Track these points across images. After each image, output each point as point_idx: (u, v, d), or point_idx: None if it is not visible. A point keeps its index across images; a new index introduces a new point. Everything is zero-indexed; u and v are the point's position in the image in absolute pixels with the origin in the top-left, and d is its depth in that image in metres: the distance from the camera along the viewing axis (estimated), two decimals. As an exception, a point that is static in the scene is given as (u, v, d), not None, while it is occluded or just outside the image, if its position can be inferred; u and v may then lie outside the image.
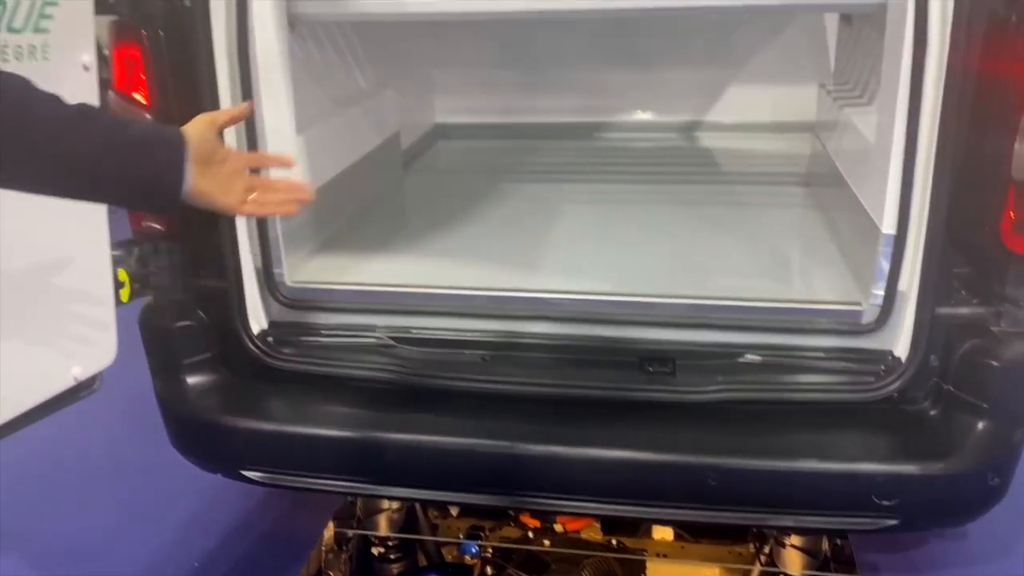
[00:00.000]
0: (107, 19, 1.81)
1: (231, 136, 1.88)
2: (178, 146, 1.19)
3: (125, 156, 1.15)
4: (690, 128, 3.35)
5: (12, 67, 1.47)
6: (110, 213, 1.76)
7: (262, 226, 1.97)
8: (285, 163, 1.51)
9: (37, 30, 1.53)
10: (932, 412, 1.76)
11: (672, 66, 3.26)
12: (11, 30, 1.48)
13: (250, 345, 1.99)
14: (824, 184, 2.51)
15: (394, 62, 2.98)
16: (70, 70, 1.62)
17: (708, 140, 3.29)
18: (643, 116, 3.39)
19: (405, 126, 3.08)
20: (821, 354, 1.84)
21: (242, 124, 1.89)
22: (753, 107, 3.25)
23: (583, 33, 3.29)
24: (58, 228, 1.63)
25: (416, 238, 2.43)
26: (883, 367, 1.77)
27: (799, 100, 3.03)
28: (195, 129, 1.24)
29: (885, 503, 1.70)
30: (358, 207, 2.58)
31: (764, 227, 2.45)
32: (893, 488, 1.69)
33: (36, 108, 1.11)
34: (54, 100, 1.14)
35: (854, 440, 1.76)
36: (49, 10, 1.54)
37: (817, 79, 2.91)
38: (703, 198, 2.73)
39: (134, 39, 1.82)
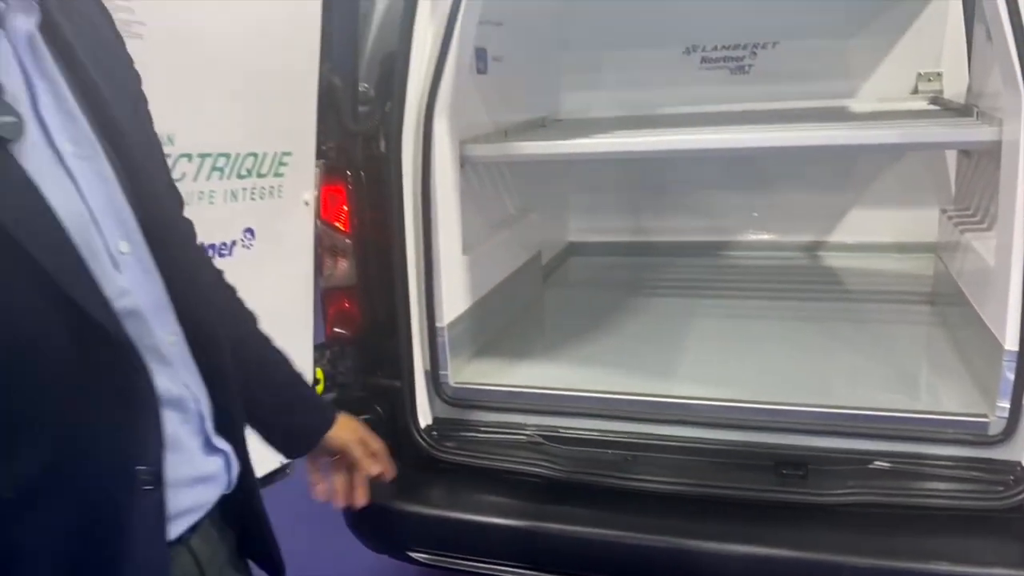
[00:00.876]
0: (319, 163, 2.21)
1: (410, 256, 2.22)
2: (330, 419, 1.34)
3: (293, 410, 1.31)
4: (813, 248, 3.52)
5: (258, 204, 1.85)
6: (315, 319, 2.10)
7: (432, 334, 2.28)
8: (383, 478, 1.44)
9: (277, 175, 1.92)
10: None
11: (795, 190, 3.46)
12: (259, 175, 1.87)
13: (418, 438, 2.25)
14: (947, 303, 2.63)
15: (536, 189, 3.32)
16: (295, 205, 2.01)
17: (831, 260, 3.45)
18: (767, 236, 3.59)
19: (544, 244, 3.39)
20: (949, 462, 1.93)
21: (419, 246, 2.24)
22: (875, 229, 3.39)
23: (710, 159, 3.55)
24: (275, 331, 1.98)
25: (560, 345, 2.68)
26: (1012, 477, 1.86)
27: (921, 222, 3.16)
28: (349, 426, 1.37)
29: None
30: (508, 317, 2.87)
31: (890, 341, 2.57)
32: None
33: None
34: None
35: (987, 546, 1.83)
36: (286, 159, 1.93)
37: (938, 203, 3.05)
38: (828, 314, 2.88)
39: (339, 178, 2.21)
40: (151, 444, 0.86)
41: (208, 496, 0.99)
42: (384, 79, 2.22)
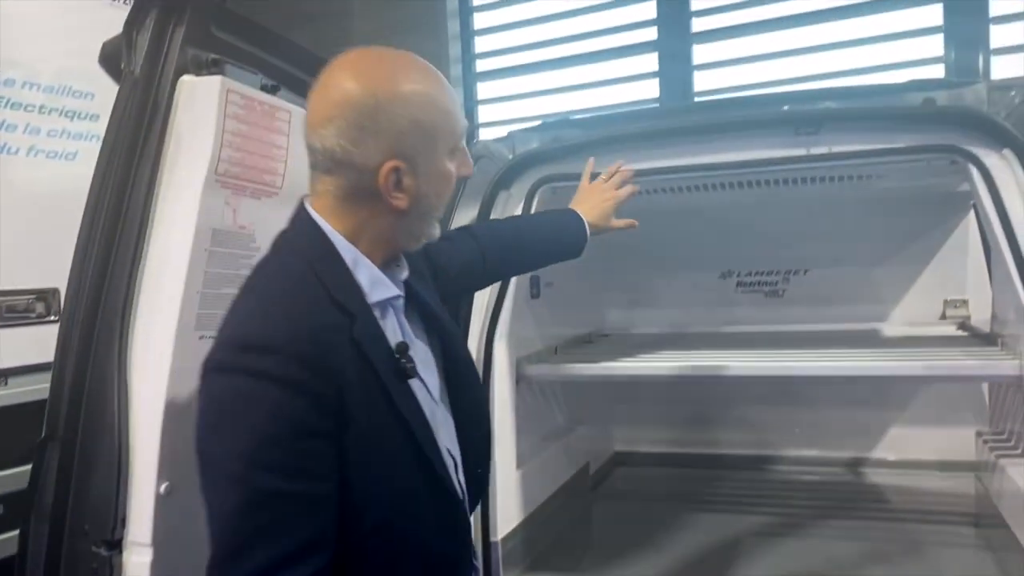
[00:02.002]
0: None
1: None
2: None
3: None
4: (855, 464, 3.58)
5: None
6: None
7: (486, 548, 2.38)
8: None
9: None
10: None
11: (835, 407, 3.57)
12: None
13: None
14: (989, 524, 2.67)
15: (584, 400, 3.48)
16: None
17: (874, 476, 3.50)
18: (810, 452, 3.66)
19: (591, 454, 3.51)
20: None
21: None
22: (915, 446, 3.46)
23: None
24: None
25: (608, 562, 2.74)
26: None
27: (960, 441, 3.23)
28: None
29: None
30: (558, 530, 2.95)
31: (934, 564, 2.60)
32: None
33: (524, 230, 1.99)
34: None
35: None
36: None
37: (975, 424, 3.15)
38: (873, 534, 2.92)
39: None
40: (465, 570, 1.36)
41: None
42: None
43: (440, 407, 1.33)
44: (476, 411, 1.44)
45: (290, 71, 1.89)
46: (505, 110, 6.06)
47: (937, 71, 4.90)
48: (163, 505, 1.60)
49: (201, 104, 1.65)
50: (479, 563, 1.47)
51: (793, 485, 3.55)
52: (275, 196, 1.82)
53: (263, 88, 1.81)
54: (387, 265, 1.28)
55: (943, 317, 3.40)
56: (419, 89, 1.21)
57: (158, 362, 1.62)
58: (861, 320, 3.44)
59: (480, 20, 6.20)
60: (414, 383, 1.24)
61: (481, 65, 6.21)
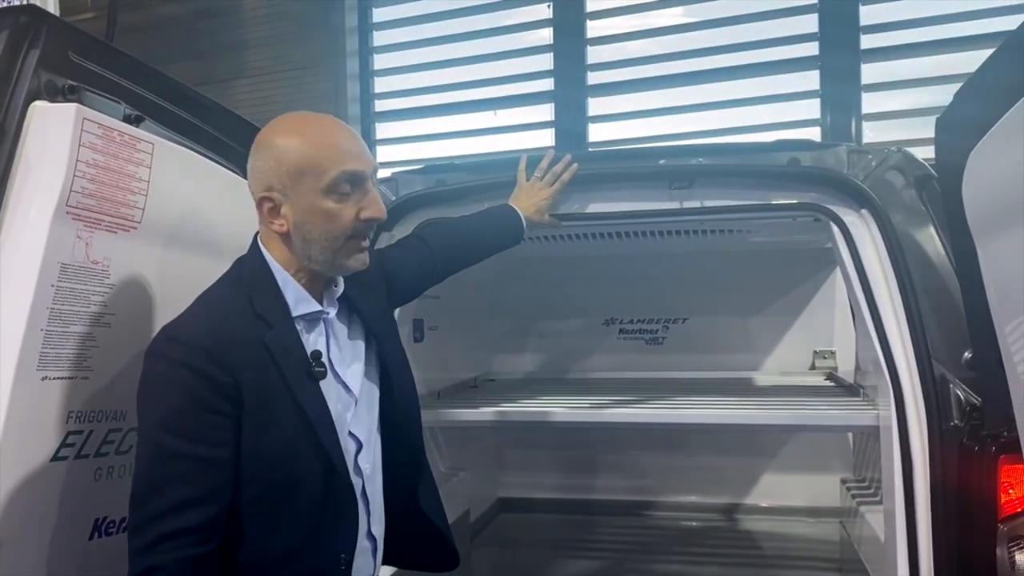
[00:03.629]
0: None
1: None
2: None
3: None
4: (730, 510, 3.66)
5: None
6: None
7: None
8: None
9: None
10: None
11: (711, 453, 3.66)
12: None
13: None
14: (852, 570, 2.77)
15: (466, 446, 3.45)
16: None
17: (747, 523, 3.59)
18: (688, 498, 3.72)
19: (473, 500, 3.47)
20: None
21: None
22: (786, 493, 3.58)
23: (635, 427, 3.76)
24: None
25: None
26: None
27: (827, 488, 3.37)
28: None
29: None
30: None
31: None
32: None
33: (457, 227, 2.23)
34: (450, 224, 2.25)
35: None
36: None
37: (841, 471, 3.27)
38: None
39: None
40: (351, 542, 1.56)
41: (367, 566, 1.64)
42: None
43: (363, 399, 1.63)
44: (404, 400, 1.73)
45: (156, 102, 1.83)
46: (404, 151, 6.07)
47: (814, 133, 5.20)
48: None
49: (53, 132, 1.57)
50: (379, 541, 1.67)
51: (671, 531, 3.60)
52: (134, 231, 1.74)
53: (126, 119, 1.74)
54: (326, 285, 1.60)
55: (812, 367, 3.55)
56: (294, 136, 1.49)
57: (-7, 402, 1.51)
58: (736, 368, 3.55)
59: (380, 61, 6.21)
60: (326, 382, 1.53)
61: (380, 105, 6.21)
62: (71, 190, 1.57)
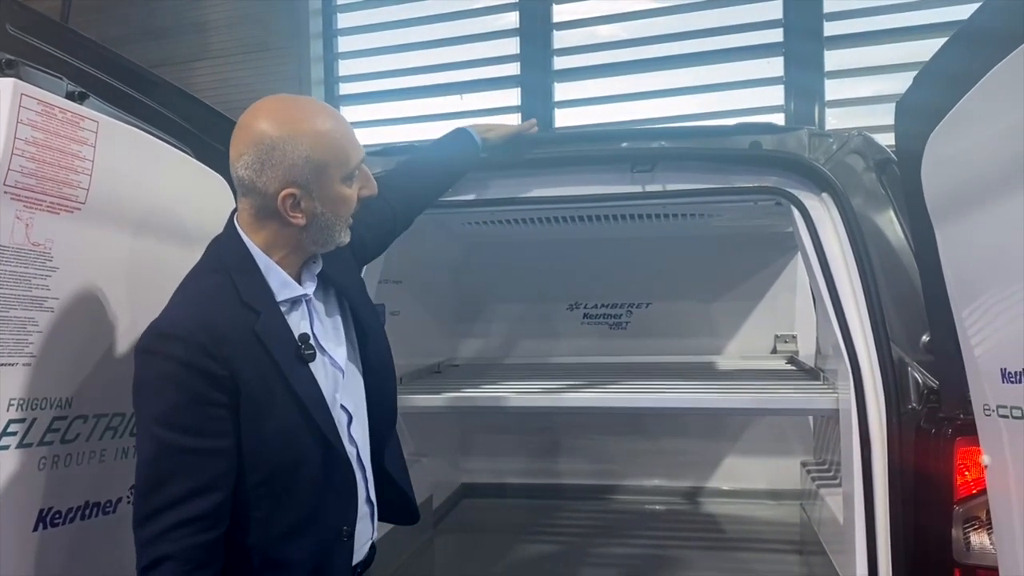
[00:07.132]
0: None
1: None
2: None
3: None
4: (693, 494, 3.68)
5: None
6: None
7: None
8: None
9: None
10: None
11: (675, 437, 3.68)
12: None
13: None
14: (812, 552, 2.79)
15: (430, 432, 3.42)
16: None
17: (709, 506, 3.61)
18: (651, 482, 3.74)
19: (436, 486, 3.45)
20: None
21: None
22: (748, 476, 3.61)
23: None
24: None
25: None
26: None
27: (788, 471, 3.40)
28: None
29: None
30: (399, 564, 2.86)
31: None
32: None
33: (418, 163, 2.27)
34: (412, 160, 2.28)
35: None
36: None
37: (802, 454, 3.30)
38: (707, 563, 2.99)
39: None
40: (351, 513, 1.60)
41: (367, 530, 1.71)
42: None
43: (348, 369, 1.65)
44: (381, 364, 1.76)
45: (102, 79, 1.76)
46: (369, 135, 5.98)
47: (779, 119, 5.21)
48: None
49: (-10, 108, 1.50)
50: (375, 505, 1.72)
51: (634, 515, 3.61)
52: (78, 211, 1.68)
53: (68, 96, 1.67)
54: (305, 264, 1.61)
55: (774, 351, 3.57)
56: (312, 129, 1.49)
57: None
58: (699, 353, 3.55)
59: (344, 44, 6.11)
60: (315, 363, 1.55)
61: (344, 88, 6.12)
62: (9, 168, 1.51)
